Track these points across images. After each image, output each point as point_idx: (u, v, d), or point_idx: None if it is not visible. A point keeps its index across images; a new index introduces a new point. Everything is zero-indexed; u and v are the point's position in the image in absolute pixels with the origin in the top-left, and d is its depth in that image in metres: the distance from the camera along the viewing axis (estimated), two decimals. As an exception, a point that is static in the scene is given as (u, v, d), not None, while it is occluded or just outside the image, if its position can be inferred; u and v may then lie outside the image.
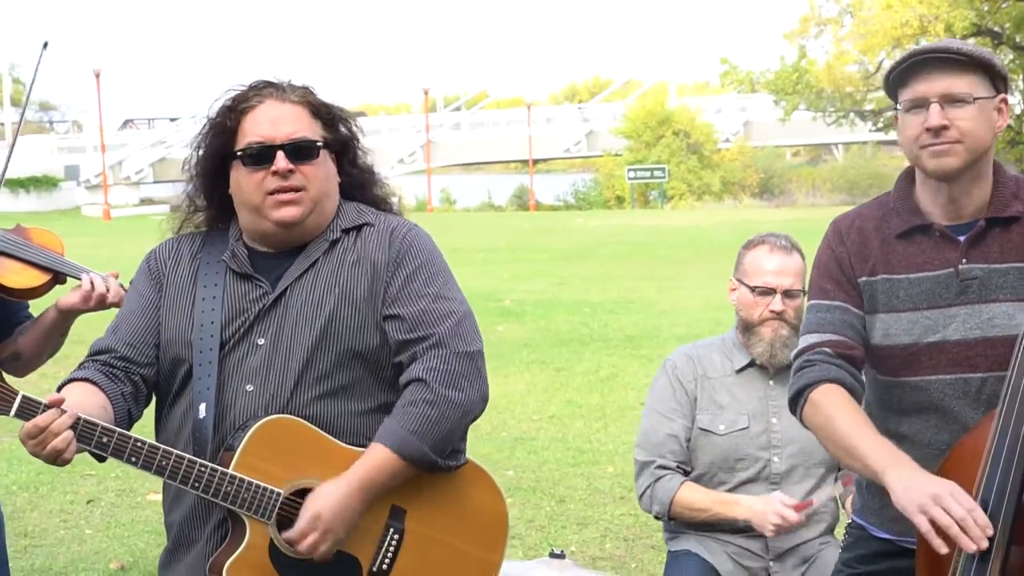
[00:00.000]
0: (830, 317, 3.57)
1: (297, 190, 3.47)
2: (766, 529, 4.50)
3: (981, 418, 3.36)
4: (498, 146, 72.50)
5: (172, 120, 78.29)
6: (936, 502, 3.11)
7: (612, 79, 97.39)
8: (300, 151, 3.48)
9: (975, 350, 3.45)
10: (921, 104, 3.43)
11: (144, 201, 62.77)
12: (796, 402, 3.55)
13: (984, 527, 3.09)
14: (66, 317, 4.37)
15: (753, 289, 4.73)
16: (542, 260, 28.46)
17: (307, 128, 3.52)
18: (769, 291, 4.70)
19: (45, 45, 4.83)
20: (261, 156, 3.47)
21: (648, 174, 59.96)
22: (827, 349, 3.52)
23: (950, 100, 3.40)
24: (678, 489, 4.65)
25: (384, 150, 62.48)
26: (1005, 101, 3.49)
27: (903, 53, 3.52)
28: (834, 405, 3.43)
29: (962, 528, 3.07)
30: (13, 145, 5.36)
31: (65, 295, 4.38)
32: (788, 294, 4.68)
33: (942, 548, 3.09)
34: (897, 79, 3.50)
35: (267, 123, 3.49)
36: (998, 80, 3.46)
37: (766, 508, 4.51)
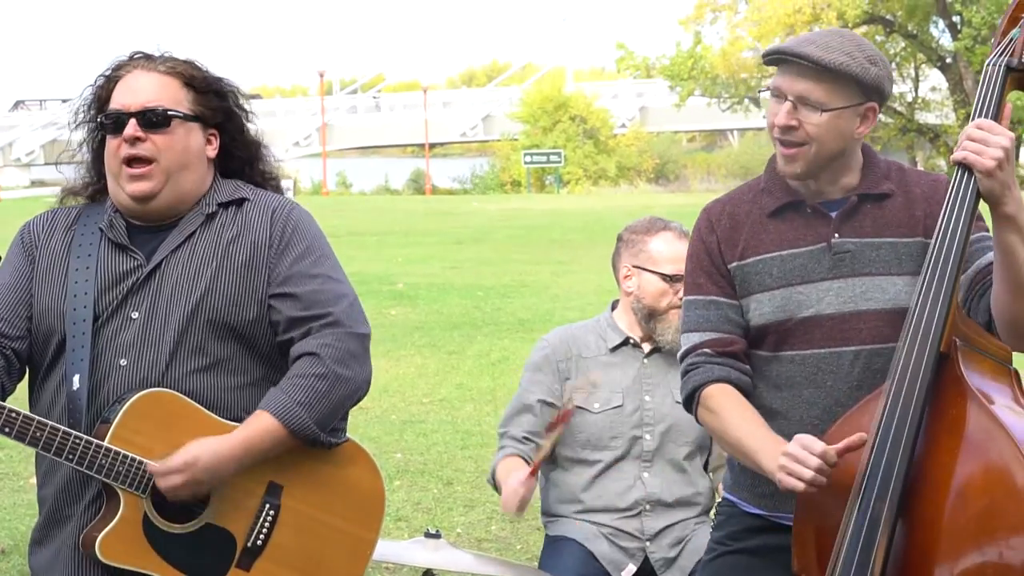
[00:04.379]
0: (707, 314, 3.62)
1: (147, 160, 3.46)
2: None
3: (866, 396, 3.38)
4: (394, 130, 72.34)
5: (64, 101, 77.21)
6: (789, 457, 3.24)
7: (510, 63, 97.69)
8: (152, 120, 3.47)
9: (848, 323, 3.50)
10: (780, 96, 3.48)
11: (35, 183, 61.82)
12: (690, 405, 3.64)
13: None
14: None
15: (665, 277, 4.70)
16: (436, 244, 28.39)
17: (168, 98, 3.50)
18: (681, 278, 4.67)
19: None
20: (117, 124, 3.48)
21: (544, 159, 60.17)
22: (707, 350, 3.59)
23: (804, 103, 3.44)
24: (500, 460, 4.66)
25: (280, 133, 62.15)
26: (874, 110, 3.50)
27: (783, 40, 3.56)
28: (722, 409, 3.53)
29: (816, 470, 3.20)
30: None
31: None
32: None
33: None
34: (770, 63, 3.55)
35: (128, 92, 3.50)
36: (870, 90, 3.46)
37: (509, 490, 4.44)
